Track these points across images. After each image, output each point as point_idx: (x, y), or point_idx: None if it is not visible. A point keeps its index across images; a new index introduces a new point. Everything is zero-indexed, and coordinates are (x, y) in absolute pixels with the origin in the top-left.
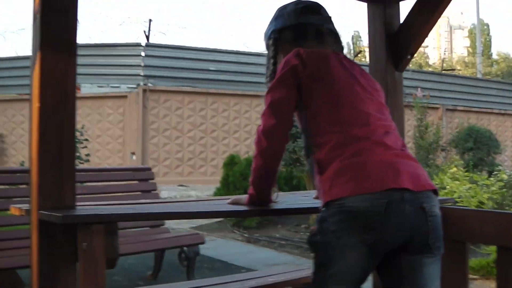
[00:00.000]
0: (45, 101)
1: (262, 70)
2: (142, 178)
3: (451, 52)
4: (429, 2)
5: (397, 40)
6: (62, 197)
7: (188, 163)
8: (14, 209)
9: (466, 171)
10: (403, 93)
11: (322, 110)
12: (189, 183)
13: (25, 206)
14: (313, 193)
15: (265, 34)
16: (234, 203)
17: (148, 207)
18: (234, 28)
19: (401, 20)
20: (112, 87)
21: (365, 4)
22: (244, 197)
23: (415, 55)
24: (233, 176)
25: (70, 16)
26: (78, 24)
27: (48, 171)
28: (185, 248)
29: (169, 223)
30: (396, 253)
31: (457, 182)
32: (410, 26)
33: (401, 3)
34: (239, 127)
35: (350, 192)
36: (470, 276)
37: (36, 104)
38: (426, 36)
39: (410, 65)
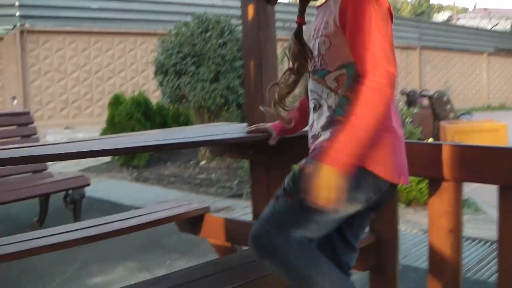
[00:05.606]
0: None
1: (147, 6)
2: (21, 123)
3: None
4: None
5: None
6: None
7: (73, 105)
8: None
9: None
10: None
11: None
12: (75, 125)
13: None
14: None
15: None
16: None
17: (29, 151)
18: None
19: None
20: None
21: None
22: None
23: None
24: (118, 115)
25: None
26: None
27: None
28: (70, 192)
29: (55, 168)
30: None
31: None
32: None
33: None
34: (124, 66)
35: None
36: None
37: None
38: None
39: None
